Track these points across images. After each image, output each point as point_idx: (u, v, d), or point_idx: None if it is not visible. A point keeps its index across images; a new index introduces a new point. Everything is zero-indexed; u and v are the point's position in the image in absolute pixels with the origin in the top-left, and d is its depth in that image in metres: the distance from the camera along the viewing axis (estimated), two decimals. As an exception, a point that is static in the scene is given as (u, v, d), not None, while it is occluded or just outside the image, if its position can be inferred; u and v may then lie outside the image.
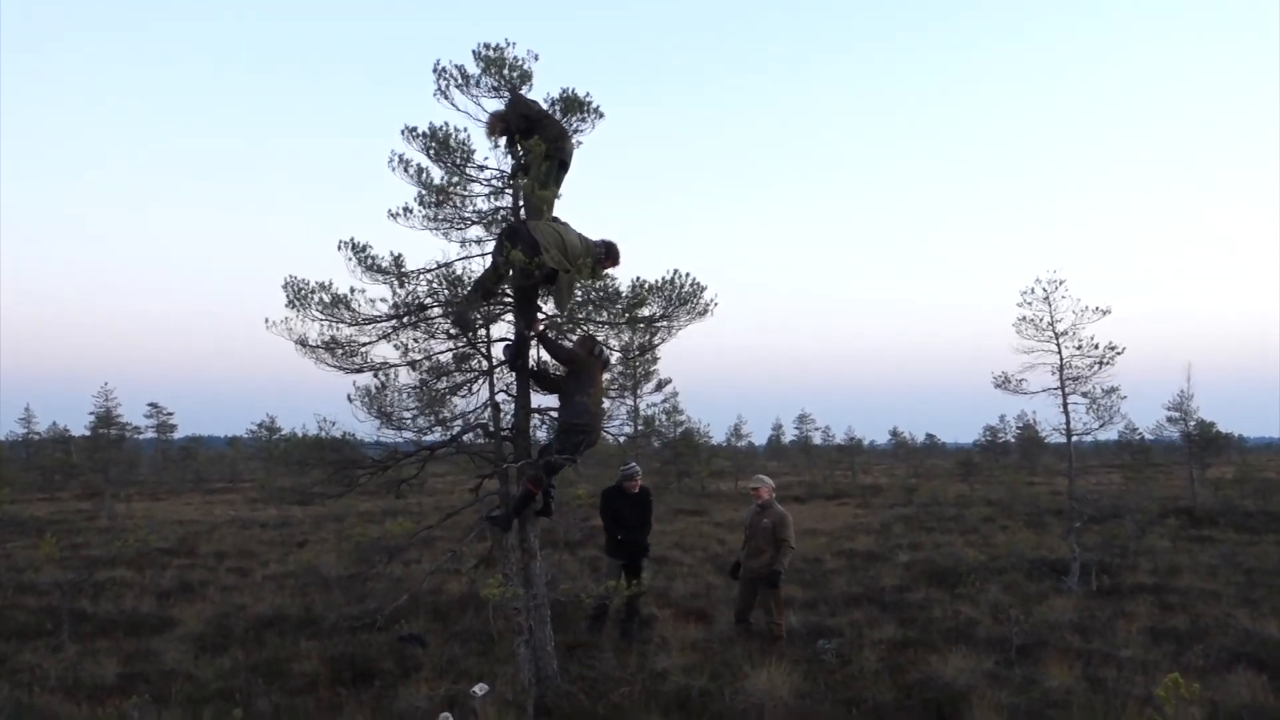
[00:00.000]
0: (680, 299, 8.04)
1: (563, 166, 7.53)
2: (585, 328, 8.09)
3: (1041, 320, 12.87)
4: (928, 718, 6.77)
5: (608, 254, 7.42)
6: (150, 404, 48.12)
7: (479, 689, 7.26)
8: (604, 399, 7.93)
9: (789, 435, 57.16)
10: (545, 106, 7.77)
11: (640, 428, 27.63)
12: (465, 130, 7.64)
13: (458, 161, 7.66)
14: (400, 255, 7.59)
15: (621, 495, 9.91)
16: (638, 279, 7.83)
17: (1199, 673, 7.69)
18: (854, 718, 6.71)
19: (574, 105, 7.92)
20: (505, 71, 7.67)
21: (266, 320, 7.42)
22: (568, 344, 7.63)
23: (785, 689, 7.23)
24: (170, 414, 48.69)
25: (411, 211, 7.68)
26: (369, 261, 7.55)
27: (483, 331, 8.07)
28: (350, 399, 7.64)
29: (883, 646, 8.97)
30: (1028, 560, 14.34)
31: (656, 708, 6.80)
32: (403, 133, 7.58)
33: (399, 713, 6.91)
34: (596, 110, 8.00)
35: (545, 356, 7.84)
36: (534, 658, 7.20)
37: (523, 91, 7.76)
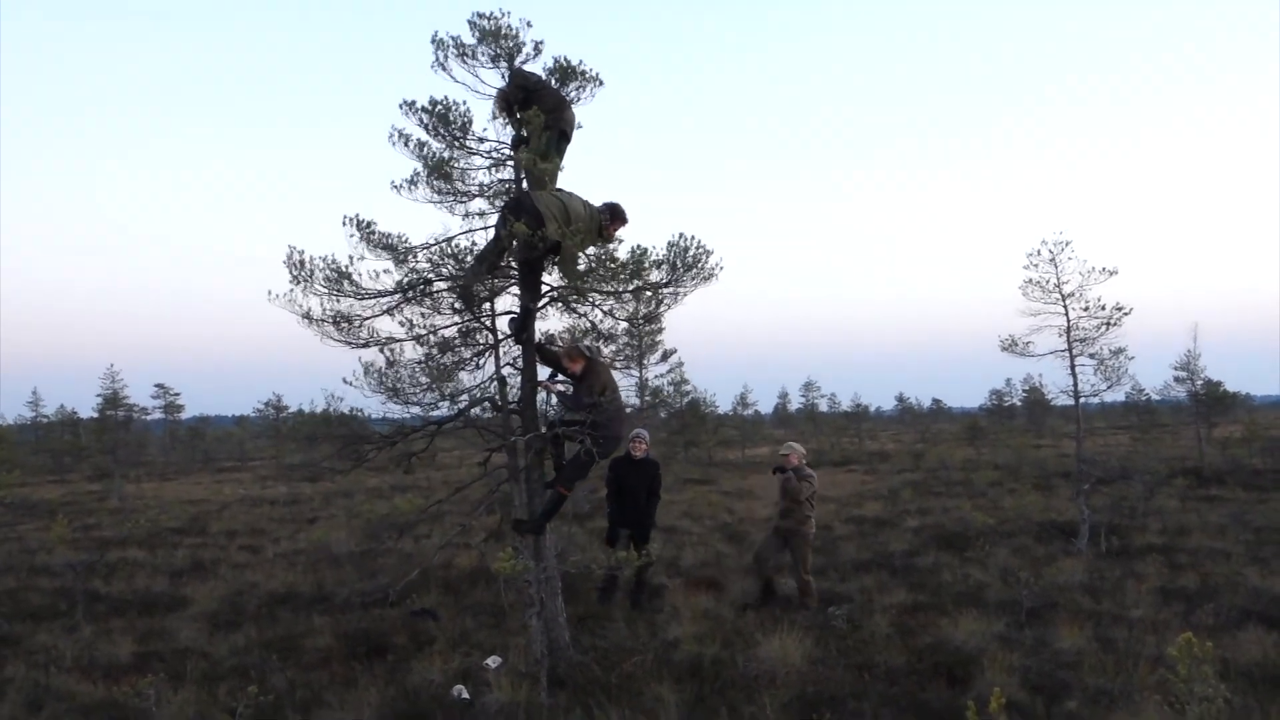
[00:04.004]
0: (686, 264, 7.98)
1: (563, 137, 7.45)
2: (591, 298, 8.05)
3: (1048, 282, 12.81)
4: (939, 681, 6.78)
5: (613, 217, 7.33)
6: (157, 385, 48.35)
7: (492, 661, 7.31)
8: (619, 394, 7.86)
9: (795, 403, 57.27)
10: (544, 76, 7.70)
11: (647, 399, 27.64)
12: (464, 103, 7.58)
13: (457, 134, 7.60)
14: (402, 234, 7.59)
15: (627, 462, 9.91)
16: (637, 247, 7.75)
17: (1209, 631, 7.69)
18: (866, 682, 6.72)
19: (570, 74, 7.84)
20: (502, 41, 7.58)
21: (270, 293, 7.37)
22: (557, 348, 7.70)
23: (797, 655, 7.25)
24: (177, 394, 49.02)
25: (415, 185, 7.64)
26: (374, 237, 7.52)
27: (488, 305, 8.04)
28: (349, 381, 7.61)
29: (893, 611, 8.99)
30: (1036, 523, 14.37)
31: (669, 676, 6.82)
32: (401, 106, 7.52)
33: (413, 686, 6.94)
34: (595, 78, 7.91)
35: (550, 328, 7.81)
36: (546, 629, 7.22)
37: (526, 63, 7.68)
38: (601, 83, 7.92)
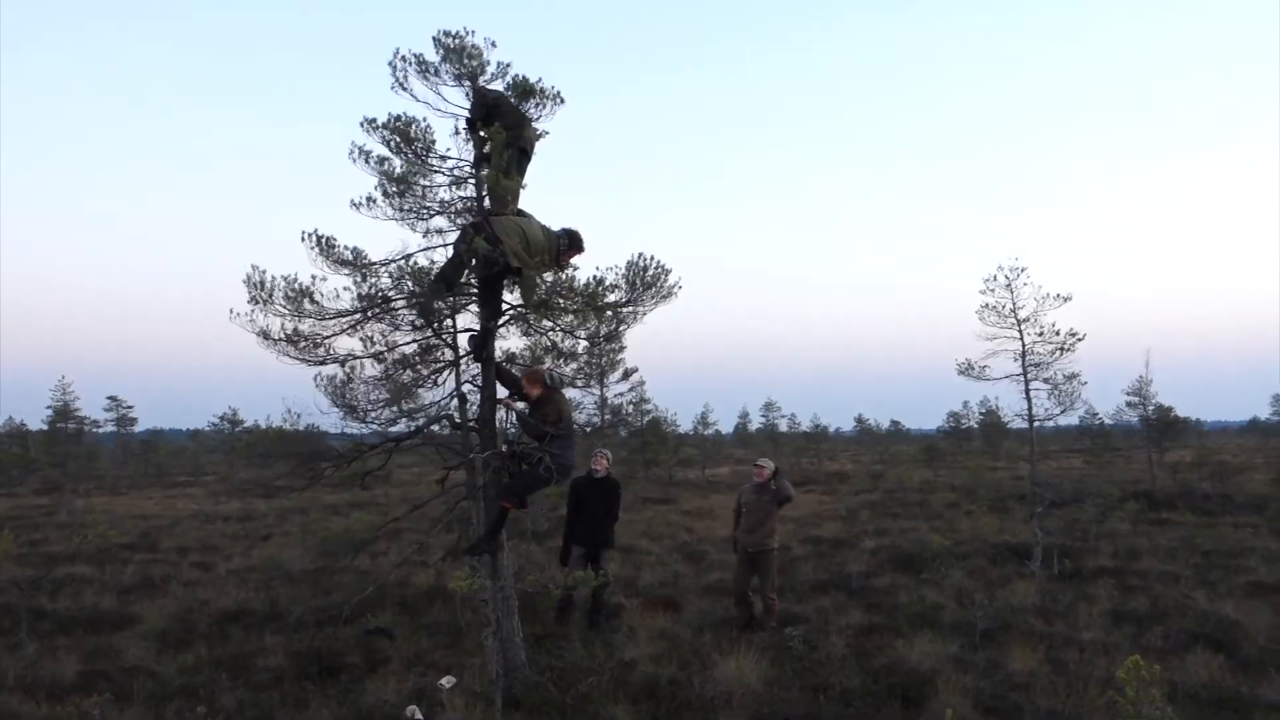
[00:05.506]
0: (645, 283, 8.03)
1: (524, 155, 7.47)
2: (551, 319, 8.07)
3: (1004, 307, 12.99)
4: (894, 702, 6.83)
5: (571, 244, 7.34)
6: (110, 397, 47.35)
7: (446, 681, 7.23)
8: (573, 423, 7.87)
9: (755, 423, 57.32)
10: (504, 93, 7.73)
11: (607, 417, 27.61)
12: (425, 120, 7.61)
13: (419, 151, 7.61)
14: (362, 250, 7.57)
15: (588, 482, 9.91)
16: (594, 277, 7.77)
17: (1158, 654, 7.81)
18: (821, 704, 6.75)
19: (528, 92, 7.86)
20: (465, 59, 7.60)
21: (231, 312, 7.32)
22: (517, 371, 7.72)
23: (753, 676, 7.27)
24: (130, 407, 47.97)
25: (375, 202, 7.63)
26: (333, 253, 7.50)
27: (448, 322, 8.03)
28: (316, 383, 7.57)
29: (849, 632, 9.04)
30: (991, 545, 14.51)
31: (625, 697, 6.80)
32: (362, 124, 7.53)
33: (366, 707, 6.86)
34: (556, 96, 7.94)
35: (511, 346, 7.80)
36: (502, 649, 7.18)
37: (490, 82, 7.72)
38: (562, 100, 7.97)
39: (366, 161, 7.54)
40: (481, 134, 7.45)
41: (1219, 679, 7.27)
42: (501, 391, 7.63)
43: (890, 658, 8.01)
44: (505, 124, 7.10)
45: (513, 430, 7.89)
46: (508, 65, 7.81)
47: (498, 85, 7.80)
